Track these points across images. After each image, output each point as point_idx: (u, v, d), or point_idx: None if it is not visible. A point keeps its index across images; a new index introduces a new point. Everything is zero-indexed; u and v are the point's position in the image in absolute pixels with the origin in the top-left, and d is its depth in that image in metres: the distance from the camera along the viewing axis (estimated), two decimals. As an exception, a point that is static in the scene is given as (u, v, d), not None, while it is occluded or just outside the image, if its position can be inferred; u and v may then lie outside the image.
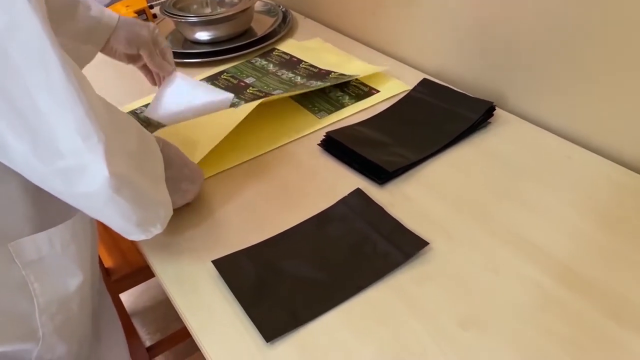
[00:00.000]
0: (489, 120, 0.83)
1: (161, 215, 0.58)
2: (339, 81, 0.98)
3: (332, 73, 1.02)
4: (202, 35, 1.14)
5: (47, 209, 0.58)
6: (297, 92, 0.94)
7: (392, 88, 0.96)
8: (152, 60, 0.86)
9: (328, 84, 0.96)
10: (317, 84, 0.97)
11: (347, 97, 0.96)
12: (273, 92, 0.99)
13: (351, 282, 0.61)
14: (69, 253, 0.60)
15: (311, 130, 0.87)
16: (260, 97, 0.98)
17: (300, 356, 0.54)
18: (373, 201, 0.70)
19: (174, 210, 0.62)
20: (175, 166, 0.66)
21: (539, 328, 0.54)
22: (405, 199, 0.72)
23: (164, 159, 0.60)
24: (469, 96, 0.86)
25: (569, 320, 0.55)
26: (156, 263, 0.67)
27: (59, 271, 0.60)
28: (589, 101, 0.77)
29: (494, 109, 0.83)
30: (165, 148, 0.64)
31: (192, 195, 0.71)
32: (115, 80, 1.08)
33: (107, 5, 1.22)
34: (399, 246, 0.63)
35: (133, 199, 0.51)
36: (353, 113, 0.90)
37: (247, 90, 1.01)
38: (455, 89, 0.89)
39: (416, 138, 0.81)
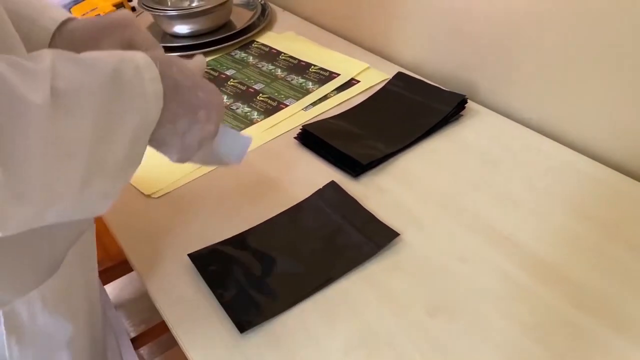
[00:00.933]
0: (461, 113, 0.85)
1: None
2: (339, 83, 0.99)
3: (312, 66, 1.04)
4: (181, 28, 1.14)
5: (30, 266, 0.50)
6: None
7: (372, 78, 0.97)
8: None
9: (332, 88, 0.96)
10: (316, 87, 0.98)
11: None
12: (254, 85, 1.00)
13: (324, 274, 0.62)
14: (58, 307, 0.53)
15: (296, 124, 0.88)
16: (241, 90, 0.99)
17: (273, 346, 0.56)
18: (347, 193, 0.72)
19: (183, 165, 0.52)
20: (183, 91, 0.48)
21: (506, 316, 0.56)
22: (379, 191, 0.74)
23: (166, 85, 0.45)
24: (442, 89, 0.88)
25: (535, 309, 0.57)
26: (133, 257, 0.68)
27: (43, 329, 0.52)
28: (558, 93, 0.79)
29: (466, 102, 0.85)
30: (165, 68, 0.46)
31: (214, 126, 0.52)
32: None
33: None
34: (371, 237, 0.65)
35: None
36: (337, 104, 0.92)
37: (228, 83, 1.02)
38: (429, 82, 0.91)
39: (390, 131, 0.83)
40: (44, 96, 0.34)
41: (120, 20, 0.55)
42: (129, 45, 0.55)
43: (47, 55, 0.37)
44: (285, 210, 0.71)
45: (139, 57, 0.44)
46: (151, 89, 0.44)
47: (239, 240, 0.67)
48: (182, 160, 0.51)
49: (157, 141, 0.48)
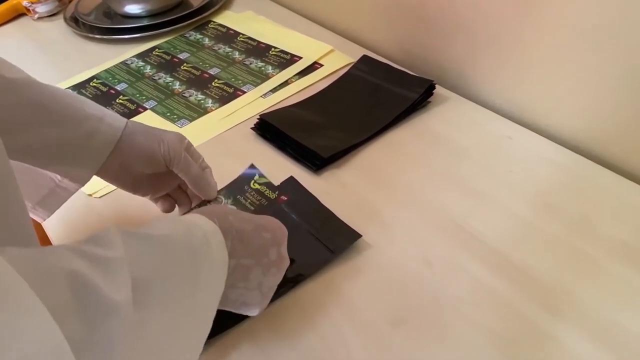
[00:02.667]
0: (429, 100, 0.80)
1: None
2: (301, 67, 0.93)
3: (273, 49, 0.97)
4: (132, 8, 1.06)
5: None
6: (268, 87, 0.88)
7: (336, 62, 0.91)
8: (190, 173, 0.58)
9: (294, 73, 0.90)
10: (276, 72, 0.91)
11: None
12: (209, 70, 0.93)
13: (282, 280, 0.57)
14: None
15: (254, 113, 0.82)
16: (195, 75, 0.93)
17: (222, 364, 0.51)
18: (306, 191, 0.67)
19: None
20: (248, 238, 0.45)
21: (473, 324, 0.52)
22: (341, 187, 0.69)
23: (231, 240, 0.43)
24: (409, 74, 0.83)
25: (503, 314, 0.53)
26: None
27: None
28: (529, 78, 0.74)
29: (434, 88, 0.80)
30: (224, 223, 0.43)
31: (286, 260, 0.50)
32: (41, 59, 1.01)
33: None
34: (330, 240, 0.60)
35: None
36: (298, 91, 0.86)
37: (181, 67, 0.95)
38: (396, 66, 0.85)
39: (354, 120, 0.78)
40: (127, 292, 0.30)
41: (178, 133, 0.59)
42: (190, 154, 0.58)
43: (117, 238, 0.33)
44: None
45: (203, 222, 0.42)
46: (219, 258, 0.41)
47: None
48: (262, 309, 0.49)
49: (233, 303, 0.46)
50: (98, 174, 0.55)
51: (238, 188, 0.63)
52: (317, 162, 0.70)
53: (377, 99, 0.80)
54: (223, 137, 0.79)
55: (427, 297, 0.55)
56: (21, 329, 0.24)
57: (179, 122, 0.83)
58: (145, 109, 0.86)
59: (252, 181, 0.64)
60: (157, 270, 0.35)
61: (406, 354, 0.51)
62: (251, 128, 0.79)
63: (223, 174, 0.65)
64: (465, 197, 0.65)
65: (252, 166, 0.68)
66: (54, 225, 0.67)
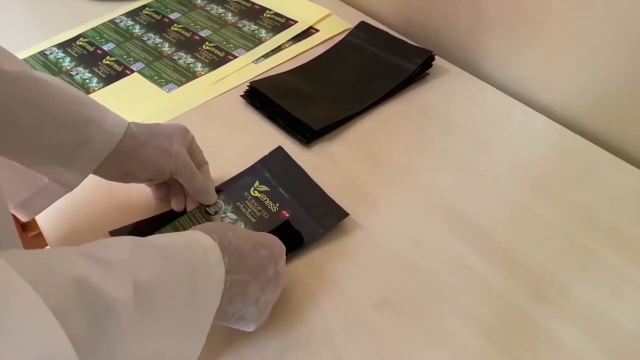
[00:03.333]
0: (427, 72, 0.76)
1: None
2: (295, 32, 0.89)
3: (267, 11, 0.93)
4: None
5: None
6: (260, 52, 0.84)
7: (332, 27, 0.87)
8: (193, 183, 0.57)
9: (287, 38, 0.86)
10: (270, 36, 0.87)
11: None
12: (200, 32, 0.89)
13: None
14: None
15: (245, 79, 0.79)
16: (186, 37, 0.89)
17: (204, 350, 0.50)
18: (295, 164, 0.64)
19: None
20: (246, 255, 0.45)
21: (460, 311, 0.51)
22: (332, 161, 0.66)
23: (229, 256, 0.43)
24: (408, 43, 0.79)
25: (491, 302, 0.51)
26: (50, 233, 0.60)
27: None
28: (532, 52, 0.71)
29: (433, 59, 0.76)
30: (223, 240, 0.43)
31: (283, 277, 0.49)
32: (25, 15, 0.96)
33: None
34: (317, 217, 0.58)
35: None
36: (291, 57, 0.82)
37: (172, 28, 0.91)
38: (395, 34, 0.81)
39: (348, 91, 0.74)
40: (128, 292, 0.32)
41: (182, 127, 0.57)
42: (191, 150, 0.57)
43: (123, 243, 0.35)
44: (223, 183, 0.63)
45: (202, 238, 0.42)
46: (216, 274, 0.41)
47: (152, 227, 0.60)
48: (258, 325, 0.48)
49: (230, 318, 0.45)
50: (94, 173, 0.53)
51: (238, 194, 0.60)
52: (307, 135, 0.68)
53: (374, 69, 0.77)
54: (211, 104, 0.76)
55: (414, 280, 0.53)
56: (26, 331, 0.25)
57: (166, 86, 0.79)
58: (133, 71, 0.83)
59: (252, 188, 0.61)
60: (159, 277, 0.35)
61: (390, 340, 0.49)
62: (241, 96, 0.75)
63: (210, 145, 0.62)
64: (459, 177, 0.63)
65: (254, 167, 0.64)
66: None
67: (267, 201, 0.59)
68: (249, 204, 0.59)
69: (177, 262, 0.38)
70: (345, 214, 0.58)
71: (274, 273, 0.48)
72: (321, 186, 0.61)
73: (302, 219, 0.58)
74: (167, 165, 0.54)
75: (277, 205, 0.59)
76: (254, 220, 0.58)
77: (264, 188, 0.61)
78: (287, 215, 0.58)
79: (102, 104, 0.53)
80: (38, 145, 0.48)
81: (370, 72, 0.77)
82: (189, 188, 0.58)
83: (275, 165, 0.64)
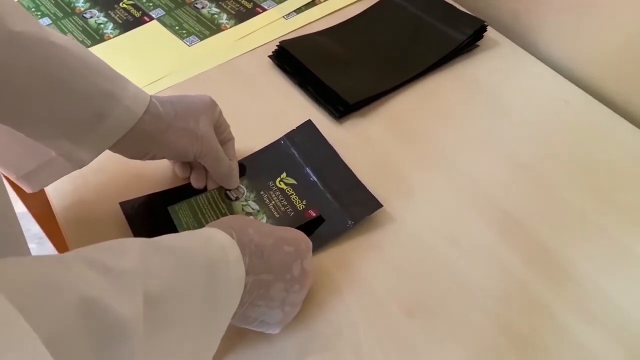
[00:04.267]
0: (477, 44, 0.69)
1: None
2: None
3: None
4: None
5: None
6: None
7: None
8: (217, 168, 0.52)
9: None
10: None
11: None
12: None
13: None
14: None
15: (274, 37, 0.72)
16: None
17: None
18: (325, 141, 0.58)
19: None
20: (268, 253, 0.41)
21: (498, 324, 0.46)
22: (365, 140, 0.60)
23: (250, 254, 0.39)
24: (458, 10, 0.71)
25: (534, 317, 0.46)
26: (57, 199, 0.55)
27: None
28: (597, 32, 0.63)
29: (485, 30, 0.68)
30: (242, 236, 0.39)
31: (310, 276, 0.45)
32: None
33: None
34: (346, 206, 0.52)
35: None
36: (326, 14, 0.75)
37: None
38: (444, -3, 0.73)
39: (388, 59, 0.67)
40: (138, 309, 0.28)
41: (210, 101, 0.52)
42: (217, 125, 0.52)
43: (134, 247, 0.32)
44: (243, 159, 0.57)
45: (220, 236, 0.38)
46: (236, 275, 0.37)
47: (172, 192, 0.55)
48: (283, 327, 0.44)
49: (252, 322, 0.41)
50: (110, 150, 0.47)
51: (262, 182, 0.54)
52: (340, 109, 0.61)
53: (418, 35, 0.69)
54: (236, 63, 0.69)
55: (449, 285, 0.48)
56: None
57: (187, 39, 0.72)
58: (152, 18, 0.76)
59: (279, 179, 0.55)
60: (171, 287, 0.32)
61: (419, 349, 0.44)
62: (269, 56, 0.69)
63: (231, 111, 0.56)
64: (506, 169, 0.56)
65: (278, 143, 0.58)
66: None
67: (293, 196, 0.53)
68: (273, 195, 0.54)
69: (193, 268, 0.34)
70: (378, 205, 0.52)
71: (300, 271, 0.43)
72: (352, 167, 0.55)
73: (328, 207, 0.52)
74: (192, 149, 0.49)
75: (304, 202, 0.53)
76: (277, 216, 0.52)
77: (291, 180, 0.55)
78: (314, 215, 0.52)
79: (123, 75, 0.46)
80: (47, 117, 0.42)
81: (413, 38, 0.69)
82: (212, 172, 0.52)
83: (303, 142, 0.58)
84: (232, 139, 0.55)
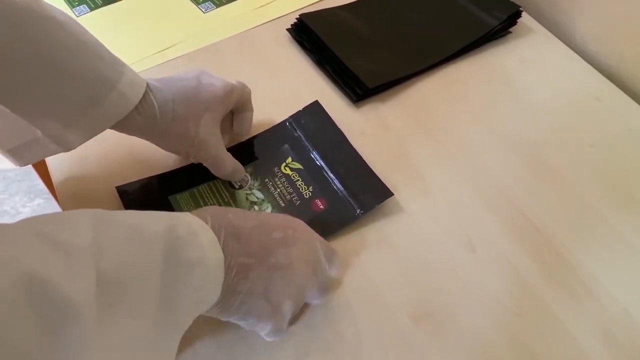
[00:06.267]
0: (509, 30, 0.65)
1: None
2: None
3: None
4: None
5: None
6: None
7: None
8: (218, 172, 0.50)
9: None
10: None
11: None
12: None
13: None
14: None
15: (294, 9, 0.68)
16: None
17: (214, 343, 0.44)
18: (333, 124, 0.54)
19: None
20: (247, 235, 0.38)
21: (512, 340, 0.43)
22: (382, 127, 0.57)
23: (226, 235, 0.36)
24: (492, -8, 0.67)
25: (553, 336, 0.43)
26: (56, 173, 0.53)
27: None
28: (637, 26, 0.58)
29: (519, 15, 0.64)
30: (219, 220, 0.37)
31: (291, 304, 0.40)
32: None
33: None
34: (354, 194, 0.50)
35: None
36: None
37: None
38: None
39: (413, 40, 0.63)
40: (89, 288, 0.26)
41: (222, 93, 0.47)
42: (235, 107, 0.51)
43: (87, 222, 0.29)
44: (236, 146, 0.54)
45: (190, 219, 0.35)
46: (212, 257, 0.34)
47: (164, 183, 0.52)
48: (278, 331, 0.40)
49: (236, 310, 0.37)
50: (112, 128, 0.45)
51: (267, 168, 0.51)
52: (358, 92, 0.58)
53: (447, 17, 0.65)
54: (253, 34, 0.65)
55: (461, 293, 0.45)
56: None
57: (203, 4, 0.69)
58: (167, -21, 0.72)
59: (284, 164, 0.52)
60: (127, 266, 0.29)
61: (422, 356, 0.42)
62: (287, 29, 0.65)
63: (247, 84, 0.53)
64: (529, 170, 0.53)
65: (282, 125, 0.55)
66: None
67: (299, 182, 0.51)
68: (278, 182, 0.51)
69: (153, 245, 0.31)
70: (389, 194, 0.49)
71: (287, 259, 0.39)
72: (366, 156, 0.52)
73: (336, 194, 0.50)
74: (189, 154, 0.48)
75: (310, 189, 0.50)
76: (283, 205, 0.49)
77: (297, 165, 0.52)
78: (322, 207, 0.49)
79: (120, 58, 0.44)
80: (37, 95, 0.40)
81: (442, 20, 0.65)
82: (214, 173, 0.50)
83: (310, 124, 0.55)
84: (250, 110, 0.52)
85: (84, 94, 0.41)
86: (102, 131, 0.43)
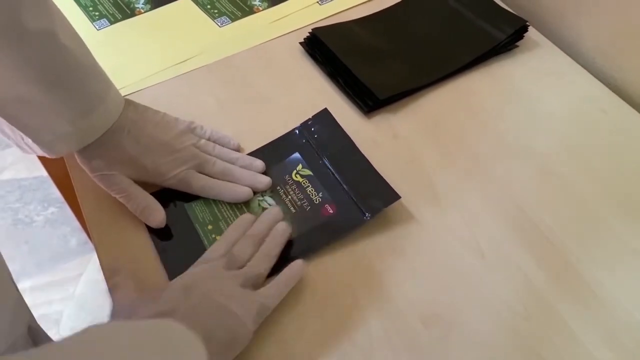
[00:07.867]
0: (516, 44, 0.66)
1: None
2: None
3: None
4: None
5: None
6: None
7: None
8: (128, 205, 0.51)
9: None
10: None
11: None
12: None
13: (298, 244, 0.49)
14: None
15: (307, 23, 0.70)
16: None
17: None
18: (342, 131, 0.56)
19: None
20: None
21: (521, 346, 0.44)
22: (392, 137, 0.58)
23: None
24: (499, 7, 0.68)
25: (554, 336, 0.45)
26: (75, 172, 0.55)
27: None
28: (649, 42, 0.60)
29: (526, 30, 0.66)
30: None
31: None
32: None
33: None
34: (362, 198, 0.51)
35: None
36: (362, 2, 0.72)
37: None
38: (485, -8, 0.70)
39: (423, 53, 0.65)
40: None
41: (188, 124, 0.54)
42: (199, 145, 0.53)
43: None
44: (252, 153, 0.56)
45: None
46: None
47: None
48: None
49: None
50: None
51: (279, 176, 0.53)
52: (369, 103, 0.59)
53: (456, 31, 0.67)
54: (267, 48, 0.68)
55: (471, 297, 0.47)
56: None
57: (219, 19, 0.71)
58: (184, -6, 0.74)
59: (294, 171, 0.53)
60: None
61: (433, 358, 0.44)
62: (300, 42, 0.67)
63: (258, 96, 0.55)
64: (538, 179, 0.55)
65: (292, 133, 0.57)
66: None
67: (310, 188, 0.52)
68: (289, 189, 0.53)
69: None
70: (396, 197, 0.51)
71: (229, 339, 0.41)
72: (376, 164, 0.54)
73: (344, 199, 0.51)
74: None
75: (320, 195, 0.52)
76: (294, 211, 0.51)
77: (307, 172, 0.54)
78: (331, 212, 0.51)
79: (108, 78, 0.50)
80: (29, 103, 0.45)
81: (451, 34, 0.67)
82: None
83: (319, 131, 0.57)
84: (236, 158, 0.54)
85: (78, 107, 0.46)
86: (86, 144, 0.48)
